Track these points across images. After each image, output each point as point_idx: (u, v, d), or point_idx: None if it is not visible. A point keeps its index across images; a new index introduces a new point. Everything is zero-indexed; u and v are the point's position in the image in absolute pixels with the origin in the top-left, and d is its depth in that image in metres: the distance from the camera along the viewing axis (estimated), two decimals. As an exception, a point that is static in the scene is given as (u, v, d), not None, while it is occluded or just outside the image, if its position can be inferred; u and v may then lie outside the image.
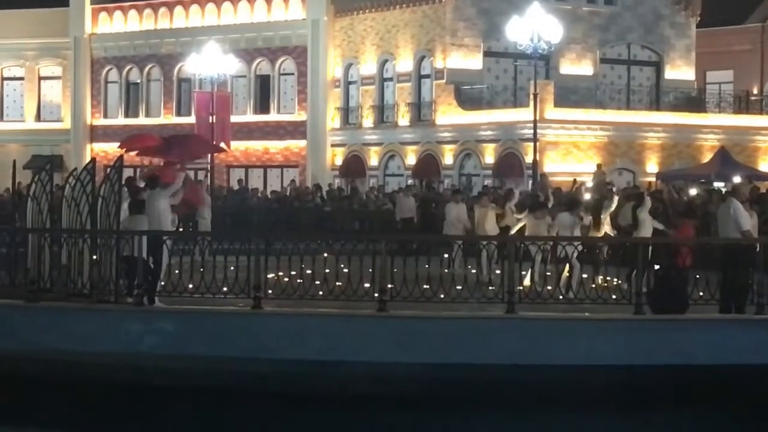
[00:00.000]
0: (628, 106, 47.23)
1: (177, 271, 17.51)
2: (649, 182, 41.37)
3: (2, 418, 16.74)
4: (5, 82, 58.45)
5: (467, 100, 45.98)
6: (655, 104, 48.15)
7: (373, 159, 49.46)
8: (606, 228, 22.41)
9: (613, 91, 47.76)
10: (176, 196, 19.60)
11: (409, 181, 44.68)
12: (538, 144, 39.97)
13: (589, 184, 33.08)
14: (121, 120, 56.15)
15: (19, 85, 58.17)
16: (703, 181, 38.14)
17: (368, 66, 49.71)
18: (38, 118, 57.83)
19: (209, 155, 44.87)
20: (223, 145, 46.52)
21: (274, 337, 16.70)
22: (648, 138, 45.04)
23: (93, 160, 21.58)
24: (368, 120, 49.70)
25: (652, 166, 44.73)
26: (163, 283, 17.97)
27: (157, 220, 18.69)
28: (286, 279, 17.84)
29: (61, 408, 16.80)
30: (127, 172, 22.06)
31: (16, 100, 58.23)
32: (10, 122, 57.87)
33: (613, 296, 17.47)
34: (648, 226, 20.99)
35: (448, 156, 46.46)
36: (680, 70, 49.52)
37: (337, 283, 17.54)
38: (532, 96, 39.70)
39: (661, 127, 45.29)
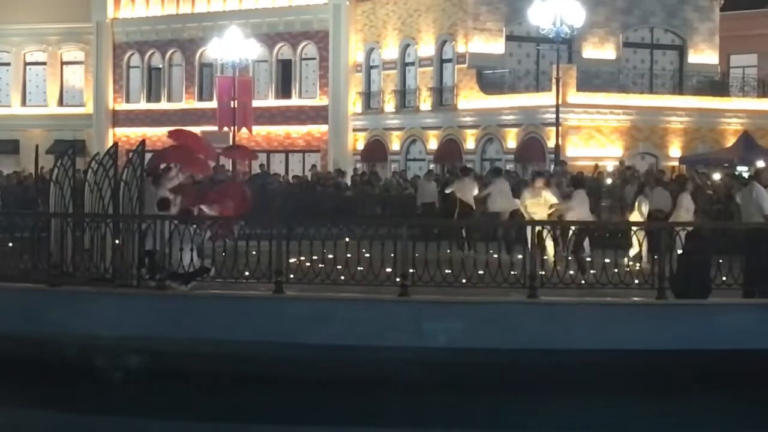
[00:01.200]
0: (651, 90, 47.03)
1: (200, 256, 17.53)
2: (672, 167, 41.26)
3: (25, 401, 16.81)
4: (28, 67, 58.60)
5: (489, 84, 45.87)
6: (678, 88, 47.94)
7: (395, 144, 49.42)
8: (638, 213, 22.21)
9: (636, 75, 47.58)
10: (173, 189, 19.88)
11: (431, 166, 44.62)
12: (560, 128, 39.88)
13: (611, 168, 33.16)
14: (143, 105, 56.27)
15: (42, 70, 58.31)
16: (726, 165, 38.04)
17: (390, 50, 49.64)
18: (61, 102, 57.98)
19: (231, 139, 45.01)
20: (245, 130, 46.85)
21: (296, 321, 16.73)
22: (671, 122, 44.86)
23: (115, 144, 21.63)
24: (390, 105, 49.65)
25: (675, 150, 44.56)
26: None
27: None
28: (308, 264, 17.85)
29: (82, 392, 16.86)
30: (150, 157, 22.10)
31: (39, 85, 58.38)
32: (33, 107, 58.03)
33: (636, 281, 17.42)
34: (687, 211, 20.96)
35: (470, 141, 46.38)
36: (704, 54, 49.27)
37: (359, 268, 17.54)
38: (554, 80, 39.59)
39: (684, 112, 45.10)
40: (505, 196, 25.73)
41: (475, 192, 27.19)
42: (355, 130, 51.16)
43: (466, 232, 24.95)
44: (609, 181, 30.95)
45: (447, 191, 28.18)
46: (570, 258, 19.60)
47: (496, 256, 17.63)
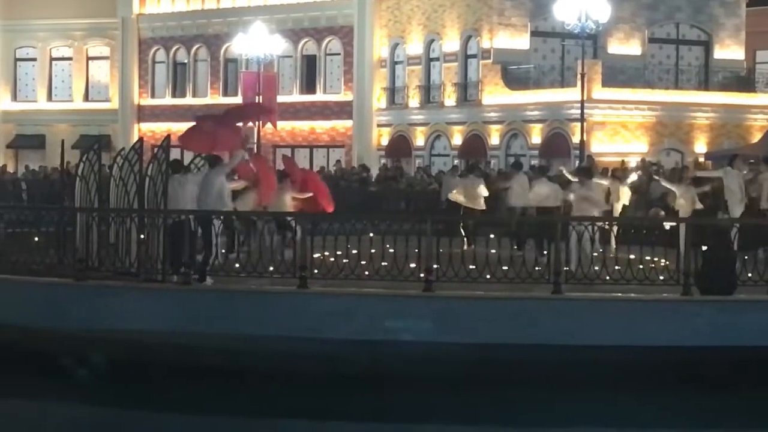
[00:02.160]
0: (677, 86, 46.85)
1: (223, 251, 17.57)
2: (698, 162, 41.09)
3: (51, 395, 16.88)
4: (54, 63, 58.80)
5: (514, 80, 45.79)
6: (704, 84, 47.73)
7: (419, 139, 49.38)
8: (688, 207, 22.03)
9: (662, 70, 47.39)
10: (232, 175, 19.84)
11: (455, 162, 44.58)
12: (585, 124, 39.75)
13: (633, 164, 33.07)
14: (168, 100, 56.39)
15: (68, 65, 58.50)
16: (752, 161, 37.81)
17: (414, 46, 49.60)
18: (86, 98, 58.16)
19: (256, 132, 45.11)
20: (269, 125, 46.87)
21: (320, 316, 16.75)
22: (696, 118, 44.69)
23: (140, 139, 21.70)
24: (414, 100, 49.61)
25: (700, 146, 44.39)
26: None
27: (215, 199, 18.62)
28: (332, 259, 17.86)
29: (107, 386, 16.92)
30: (176, 152, 22.20)
31: (65, 81, 58.58)
32: (59, 102, 58.23)
33: (661, 277, 17.37)
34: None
35: (494, 136, 46.32)
36: (729, 50, 49.04)
37: (383, 263, 17.55)
38: (579, 76, 39.49)
39: (709, 107, 44.91)
40: (525, 192, 25.64)
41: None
42: (379, 125, 51.15)
43: (470, 227, 24.90)
44: (633, 176, 30.84)
45: (503, 186, 26.85)
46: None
47: (494, 251, 17.64)
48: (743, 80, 48.24)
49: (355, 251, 17.76)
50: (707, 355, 16.14)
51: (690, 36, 49.07)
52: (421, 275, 17.02)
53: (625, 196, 25.07)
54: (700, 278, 17.08)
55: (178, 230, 17.80)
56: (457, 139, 47.70)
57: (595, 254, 18.77)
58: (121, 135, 55.03)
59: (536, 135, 44.68)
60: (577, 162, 38.39)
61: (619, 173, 24.74)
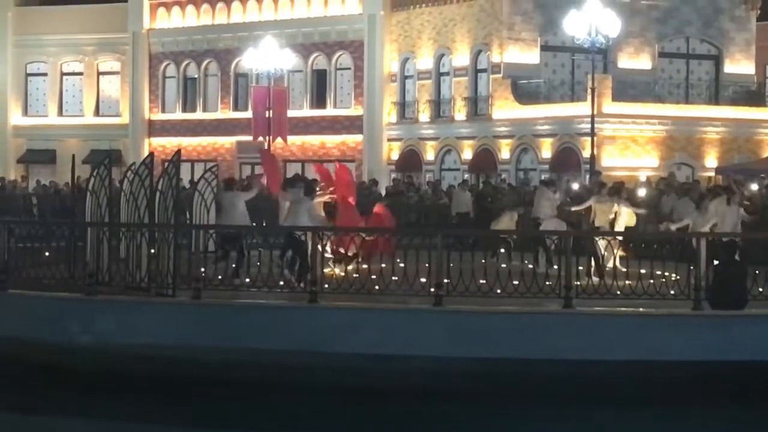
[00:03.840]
0: (687, 101, 46.79)
1: (234, 265, 17.59)
2: (708, 177, 41.04)
3: (63, 410, 16.89)
4: (64, 78, 58.93)
5: (524, 94, 45.79)
6: (714, 98, 47.68)
7: (430, 153, 49.39)
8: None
9: (672, 85, 47.38)
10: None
11: (465, 176, 44.54)
12: (595, 138, 39.73)
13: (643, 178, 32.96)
14: (178, 115, 56.47)
15: (78, 80, 58.61)
16: (763, 176, 37.77)
17: (425, 60, 49.64)
18: (97, 112, 58.25)
19: (268, 148, 45.18)
20: (280, 140, 46.99)
21: (330, 331, 16.74)
22: (707, 132, 44.64)
23: (151, 154, 21.76)
24: (424, 114, 49.64)
25: (711, 160, 44.34)
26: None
27: (239, 220, 20.59)
28: (342, 273, 17.86)
29: (118, 401, 16.92)
30: (186, 167, 22.37)
31: (75, 95, 58.68)
32: (69, 117, 58.32)
33: (672, 291, 17.34)
34: (729, 221, 20.86)
35: (504, 150, 46.31)
36: (740, 64, 49.00)
37: (393, 278, 17.54)
38: (589, 90, 39.48)
39: (720, 122, 44.88)
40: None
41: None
42: (389, 139, 51.17)
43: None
44: (643, 191, 30.79)
45: (584, 206, 24.90)
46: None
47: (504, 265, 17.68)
48: (754, 94, 48.19)
49: (365, 266, 17.76)
50: (718, 370, 16.09)
51: (700, 50, 49.04)
52: (432, 290, 17.00)
53: (624, 214, 24.05)
54: (711, 293, 17.04)
55: (299, 247, 19.14)
56: (468, 154, 47.71)
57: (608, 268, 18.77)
58: (132, 150, 55.10)
59: (546, 149, 44.66)
60: (588, 177, 38.37)
61: (611, 191, 24.29)
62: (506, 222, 25.49)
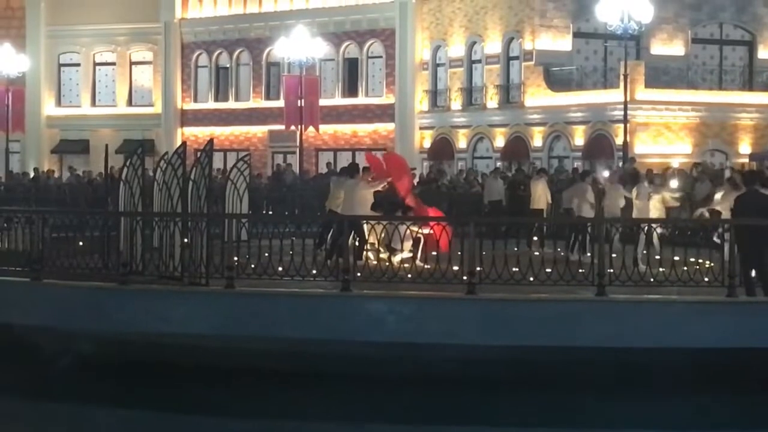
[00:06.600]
0: (721, 87, 46.56)
1: (267, 254, 17.60)
2: (743, 163, 40.82)
3: (98, 399, 16.96)
4: (97, 68, 59.18)
5: (556, 81, 45.65)
6: (748, 84, 47.41)
7: (462, 141, 49.33)
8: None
9: (705, 71, 47.12)
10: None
11: (498, 164, 44.49)
12: (628, 125, 39.58)
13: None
14: (210, 104, 56.62)
15: (111, 70, 58.84)
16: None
17: (456, 48, 49.55)
18: (130, 102, 58.48)
19: (299, 135, 45.24)
20: (312, 129, 47.06)
21: (363, 319, 16.74)
22: (741, 119, 44.39)
23: (183, 143, 21.80)
24: (456, 102, 49.57)
25: (744, 147, 44.09)
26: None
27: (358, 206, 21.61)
28: (374, 262, 17.85)
29: (151, 390, 16.98)
30: (218, 156, 22.41)
31: (108, 85, 58.92)
32: (103, 107, 58.59)
33: (705, 279, 17.25)
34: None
35: (537, 138, 46.19)
36: (774, 50, 48.72)
37: (426, 266, 17.51)
38: (622, 77, 39.30)
39: (754, 108, 44.62)
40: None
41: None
42: (421, 128, 51.13)
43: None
44: (675, 180, 30.63)
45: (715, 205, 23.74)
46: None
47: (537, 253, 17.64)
48: (788, 80, 47.89)
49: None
50: (752, 358, 16.01)
51: (734, 36, 48.73)
52: (464, 278, 16.98)
53: (654, 201, 23.83)
54: (747, 280, 16.95)
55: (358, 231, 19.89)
56: (500, 142, 47.61)
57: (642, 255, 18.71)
58: (165, 139, 55.30)
59: (579, 137, 44.53)
60: (621, 163, 38.23)
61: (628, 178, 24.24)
62: (540, 189, 26.38)
